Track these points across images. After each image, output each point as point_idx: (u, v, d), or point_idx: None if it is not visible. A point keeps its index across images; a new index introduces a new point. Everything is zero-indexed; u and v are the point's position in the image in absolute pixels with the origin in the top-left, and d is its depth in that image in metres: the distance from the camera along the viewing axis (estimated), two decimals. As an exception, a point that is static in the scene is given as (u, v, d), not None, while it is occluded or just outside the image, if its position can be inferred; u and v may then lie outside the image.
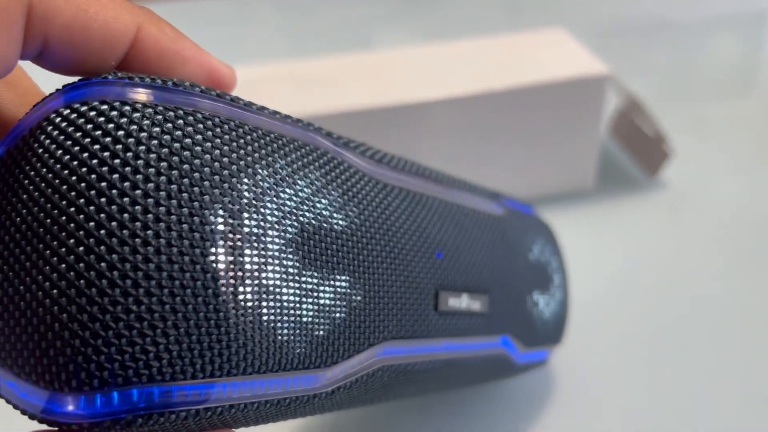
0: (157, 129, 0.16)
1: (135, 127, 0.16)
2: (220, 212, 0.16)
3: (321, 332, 0.19)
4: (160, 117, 0.16)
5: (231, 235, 0.16)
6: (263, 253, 0.17)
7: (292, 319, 0.18)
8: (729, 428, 0.34)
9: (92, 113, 0.16)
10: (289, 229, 0.18)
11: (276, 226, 0.18)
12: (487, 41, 0.51)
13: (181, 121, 0.16)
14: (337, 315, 0.19)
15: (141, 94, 0.16)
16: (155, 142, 0.16)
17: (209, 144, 0.17)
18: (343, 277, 0.20)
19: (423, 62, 0.49)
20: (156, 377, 0.15)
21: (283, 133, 0.19)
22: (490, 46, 0.51)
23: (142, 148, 0.16)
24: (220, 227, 0.16)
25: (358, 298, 0.20)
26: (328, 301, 0.19)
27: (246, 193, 0.17)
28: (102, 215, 0.15)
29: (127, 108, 0.16)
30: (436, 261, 0.24)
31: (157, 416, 0.15)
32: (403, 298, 0.22)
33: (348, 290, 0.20)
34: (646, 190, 0.52)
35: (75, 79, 0.17)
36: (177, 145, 0.16)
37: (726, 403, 0.36)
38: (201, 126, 0.17)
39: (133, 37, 0.18)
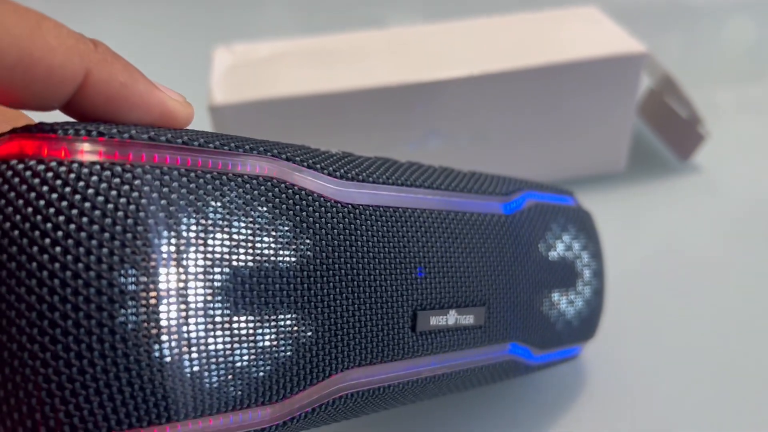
0: (69, 190, 0.16)
1: (46, 188, 0.16)
2: (132, 272, 0.16)
3: (261, 373, 0.19)
4: (73, 176, 0.16)
5: (144, 294, 0.16)
6: (183, 306, 0.17)
7: (223, 366, 0.18)
8: (766, 415, 0.33)
9: (18, 173, 0.16)
10: (218, 276, 0.18)
11: (201, 276, 0.17)
12: (516, 18, 0.50)
13: (95, 178, 0.16)
14: (281, 354, 0.19)
15: (70, 150, 0.16)
16: (65, 204, 0.16)
17: (124, 200, 0.16)
18: (289, 315, 0.20)
19: (448, 38, 0.47)
20: (82, 426, 0.16)
21: (232, 169, 0.19)
22: (519, 23, 0.49)
23: (52, 211, 0.16)
24: (131, 287, 0.16)
25: (309, 333, 0.20)
26: (268, 343, 0.19)
27: (164, 248, 0.17)
28: (20, 279, 0.15)
29: (42, 167, 0.16)
30: (415, 280, 0.23)
31: None
32: (369, 324, 0.22)
33: (295, 327, 0.20)
34: (678, 173, 0.50)
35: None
36: (87, 205, 0.16)
37: (762, 389, 0.34)
38: (118, 181, 0.17)
39: (79, 84, 0.18)
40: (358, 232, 0.22)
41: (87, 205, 0.16)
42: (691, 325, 0.39)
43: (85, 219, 0.16)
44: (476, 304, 0.26)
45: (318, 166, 0.22)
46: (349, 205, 0.22)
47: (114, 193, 0.16)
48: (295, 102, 0.41)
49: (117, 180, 0.17)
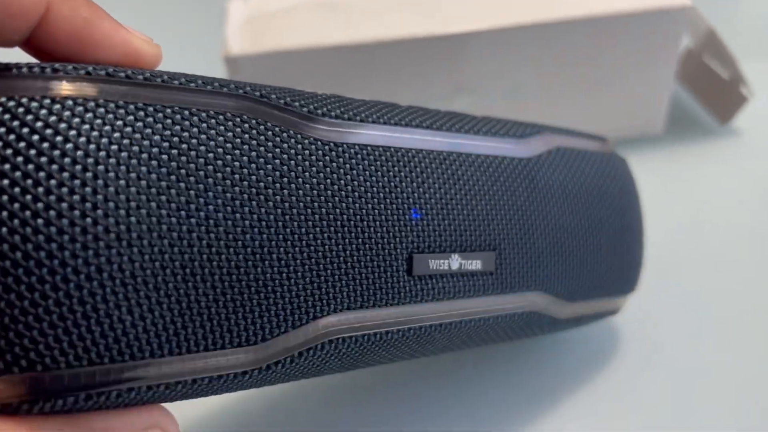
0: (6, 131, 0.16)
1: (14, 135, 0.16)
2: (76, 213, 0.16)
3: (232, 316, 0.19)
4: (9, 116, 0.16)
5: (90, 236, 0.16)
6: (136, 249, 0.17)
7: (187, 308, 0.18)
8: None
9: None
10: (174, 220, 0.17)
11: (154, 220, 0.17)
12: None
13: (68, 113, 0.16)
14: (247, 297, 0.19)
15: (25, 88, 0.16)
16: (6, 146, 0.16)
17: (69, 140, 0.16)
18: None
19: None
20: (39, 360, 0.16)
21: (198, 103, 0.19)
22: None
23: (33, 151, 0.16)
24: (77, 229, 0.16)
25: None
26: (244, 284, 0.19)
27: (111, 187, 0.16)
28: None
29: (12, 103, 0.16)
30: (410, 221, 0.22)
31: (82, 398, 0.16)
32: (357, 266, 0.21)
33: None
34: (717, 137, 0.48)
35: None
36: (71, 145, 0.16)
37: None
38: (91, 115, 0.16)
39: (40, 16, 0.17)
40: (341, 170, 0.21)
41: (70, 146, 0.16)
42: (729, 293, 0.37)
43: (32, 153, 0.16)
44: (484, 248, 0.25)
45: (297, 104, 0.21)
46: (331, 143, 0.21)
47: (87, 127, 0.16)
48: (313, 54, 0.39)
49: (90, 115, 0.16)
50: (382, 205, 0.22)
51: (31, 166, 0.16)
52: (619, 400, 0.32)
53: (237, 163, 0.19)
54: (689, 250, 0.40)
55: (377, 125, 0.23)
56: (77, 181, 0.16)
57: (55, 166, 0.16)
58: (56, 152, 0.16)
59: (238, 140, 0.19)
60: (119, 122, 0.17)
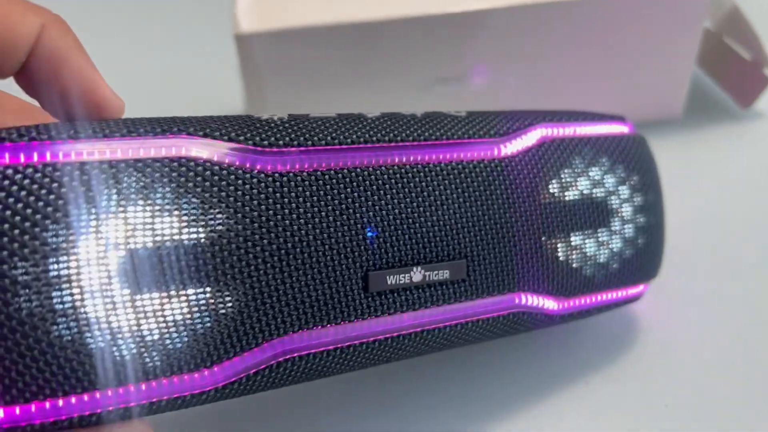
0: None
1: None
2: (20, 264, 0.18)
3: (179, 344, 0.20)
4: None
5: (35, 282, 0.18)
6: (77, 290, 0.19)
7: (130, 340, 0.20)
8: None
9: None
10: (114, 260, 0.19)
11: (94, 262, 0.19)
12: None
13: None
14: (199, 325, 0.21)
15: None
16: None
17: (12, 200, 0.18)
18: (201, 289, 0.21)
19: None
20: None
21: (136, 153, 0.20)
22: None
23: None
24: (21, 277, 0.18)
25: (229, 304, 0.21)
26: (180, 317, 0.20)
27: (52, 239, 0.19)
28: None
29: None
30: (363, 241, 0.23)
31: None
32: (306, 289, 0.22)
33: (211, 300, 0.21)
34: (739, 121, 0.47)
35: None
36: None
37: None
38: (7, 183, 0.18)
39: (35, 38, 0.20)
40: (286, 200, 0.22)
41: None
42: (749, 280, 0.36)
43: None
44: (452, 257, 0.25)
45: (242, 137, 0.22)
46: (275, 174, 0.22)
47: (2, 195, 0.18)
48: (326, 31, 0.38)
49: (6, 183, 0.18)
50: (332, 228, 0.23)
51: None
52: (631, 393, 0.31)
53: (173, 207, 0.20)
54: (709, 237, 0.39)
55: (328, 148, 0.23)
56: None
57: None
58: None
59: (174, 184, 0.20)
60: (55, 185, 0.19)
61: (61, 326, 0.19)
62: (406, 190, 0.24)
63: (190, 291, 0.20)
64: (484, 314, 0.26)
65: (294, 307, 0.22)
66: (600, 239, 0.29)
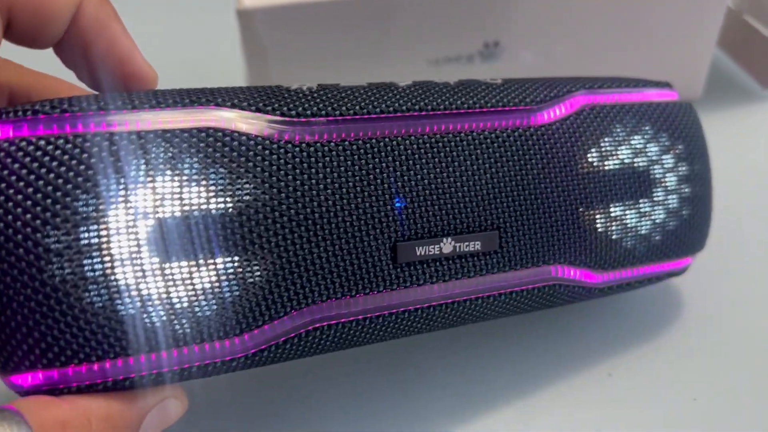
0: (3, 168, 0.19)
1: None
2: (52, 232, 0.19)
3: (208, 312, 0.21)
4: (2, 154, 0.19)
5: (67, 251, 0.19)
6: (107, 258, 0.19)
7: (160, 307, 0.20)
8: None
9: None
10: (142, 229, 0.20)
11: (123, 230, 0.20)
12: None
13: (20, 153, 0.19)
14: (227, 294, 0.21)
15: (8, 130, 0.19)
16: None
17: (44, 170, 0.19)
18: (230, 258, 0.21)
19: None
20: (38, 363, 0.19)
21: (164, 124, 0.21)
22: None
23: None
24: (53, 245, 0.19)
25: (258, 274, 0.21)
26: (208, 285, 0.21)
27: (83, 209, 0.19)
28: None
29: None
30: (392, 211, 0.23)
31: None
32: (334, 259, 0.22)
33: (239, 269, 0.21)
34: (760, 101, 0.45)
35: None
36: (13, 178, 0.19)
37: None
38: (40, 153, 0.19)
39: (75, 9, 0.20)
40: (313, 170, 0.22)
41: (13, 178, 0.19)
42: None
43: (10, 191, 0.19)
44: (484, 228, 0.25)
45: (270, 108, 0.22)
46: (303, 144, 0.22)
47: (35, 165, 0.19)
48: (330, 7, 0.36)
49: (39, 153, 0.19)
50: (359, 199, 0.22)
51: None
52: (659, 381, 0.30)
53: (201, 177, 0.21)
54: (731, 218, 0.37)
55: (357, 118, 0.23)
56: None
57: None
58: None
59: (201, 154, 0.21)
60: (84, 155, 0.20)
61: (92, 293, 0.19)
62: (437, 159, 0.24)
63: (219, 260, 0.21)
64: (519, 286, 0.26)
65: (322, 277, 0.22)
66: (642, 210, 0.28)
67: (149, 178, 0.20)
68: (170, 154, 0.20)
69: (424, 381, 0.30)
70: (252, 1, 0.36)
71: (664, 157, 0.28)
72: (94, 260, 0.19)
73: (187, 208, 0.20)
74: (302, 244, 0.22)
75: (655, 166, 0.28)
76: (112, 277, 0.19)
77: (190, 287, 0.20)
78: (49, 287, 0.19)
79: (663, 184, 0.28)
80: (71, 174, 0.19)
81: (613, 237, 0.27)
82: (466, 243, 0.24)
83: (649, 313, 0.33)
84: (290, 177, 0.22)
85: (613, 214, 0.27)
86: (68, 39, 0.21)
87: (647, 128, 0.28)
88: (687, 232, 0.29)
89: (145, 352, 0.20)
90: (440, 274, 0.24)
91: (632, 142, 0.28)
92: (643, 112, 0.28)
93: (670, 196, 0.28)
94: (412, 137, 0.24)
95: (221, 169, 0.21)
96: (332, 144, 0.22)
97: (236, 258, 0.21)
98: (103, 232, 0.19)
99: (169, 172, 0.20)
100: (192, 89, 0.22)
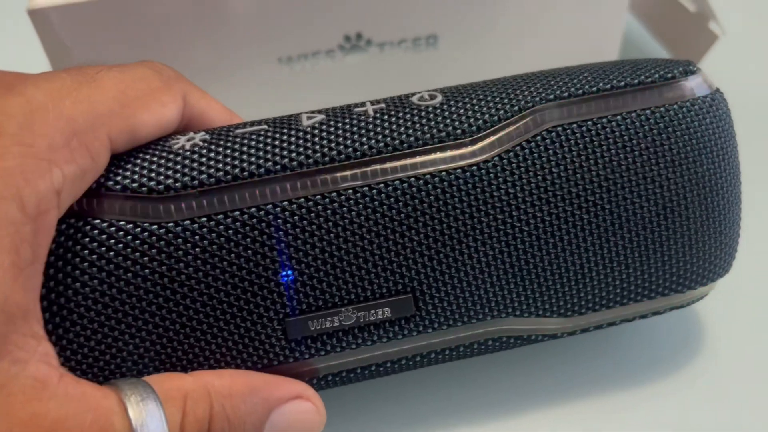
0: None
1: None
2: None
3: None
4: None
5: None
6: None
7: None
8: None
9: None
10: None
11: None
12: None
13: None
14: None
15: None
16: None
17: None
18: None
19: None
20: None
21: None
22: None
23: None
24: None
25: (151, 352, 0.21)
26: None
27: None
28: None
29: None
30: (278, 286, 0.21)
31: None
32: (230, 338, 0.21)
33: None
34: (681, 84, 0.40)
35: None
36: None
37: None
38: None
39: (179, 115, 0.23)
40: (180, 252, 0.21)
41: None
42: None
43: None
44: (395, 293, 0.22)
45: (145, 188, 0.21)
46: (170, 224, 0.21)
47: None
48: (127, 3, 0.30)
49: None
50: (238, 277, 0.21)
51: None
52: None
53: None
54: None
55: (232, 185, 0.21)
56: None
57: None
58: None
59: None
60: None
61: None
62: (333, 221, 0.21)
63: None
64: (453, 343, 0.23)
65: (210, 352, 0.21)
66: (638, 243, 0.23)
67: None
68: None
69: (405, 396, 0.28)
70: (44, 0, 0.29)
71: (676, 170, 0.23)
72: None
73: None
74: (182, 327, 0.21)
75: (664, 186, 0.23)
76: None
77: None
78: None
79: (679, 206, 0.23)
80: None
81: (587, 279, 0.23)
82: (373, 311, 0.22)
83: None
84: (155, 263, 0.20)
85: (591, 255, 0.23)
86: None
87: (644, 143, 0.23)
88: (710, 254, 0.24)
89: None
90: (345, 344, 0.22)
91: (623, 163, 0.23)
92: (634, 124, 0.23)
93: (689, 216, 0.23)
94: (303, 199, 0.21)
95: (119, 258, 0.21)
96: (203, 220, 0.21)
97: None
98: None
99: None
100: None
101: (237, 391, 0.20)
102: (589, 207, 0.22)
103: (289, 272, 0.21)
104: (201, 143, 0.22)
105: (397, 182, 0.21)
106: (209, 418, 0.20)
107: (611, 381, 0.27)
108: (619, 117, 0.23)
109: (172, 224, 0.20)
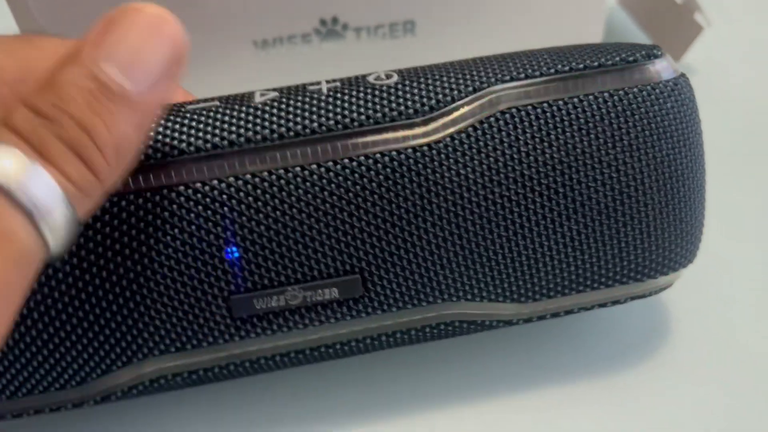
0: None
1: None
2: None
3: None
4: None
5: None
6: None
7: None
8: None
9: None
10: None
11: None
12: None
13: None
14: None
15: None
16: None
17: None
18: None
19: None
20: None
21: None
22: None
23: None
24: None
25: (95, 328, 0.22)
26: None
27: None
28: None
29: None
30: (222, 262, 0.21)
31: None
32: (174, 315, 0.21)
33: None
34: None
35: None
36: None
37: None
38: None
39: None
40: (125, 226, 0.21)
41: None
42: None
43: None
44: (342, 273, 0.22)
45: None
46: (114, 198, 0.20)
47: None
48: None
49: None
50: (182, 252, 0.21)
51: None
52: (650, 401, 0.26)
53: None
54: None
55: (178, 160, 0.21)
56: None
57: None
58: None
59: None
60: None
61: None
62: (279, 198, 0.21)
63: None
64: (404, 326, 0.23)
65: (163, 330, 0.22)
66: (594, 228, 0.23)
67: None
68: None
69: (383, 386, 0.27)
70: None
71: (620, 159, 0.23)
72: None
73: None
74: (139, 297, 0.21)
75: (622, 170, 0.23)
76: None
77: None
78: None
79: (611, 198, 0.23)
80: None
81: (538, 264, 0.23)
82: (320, 291, 0.22)
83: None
84: (100, 236, 0.20)
85: (536, 238, 0.22)
86: None
87: (602, 127, 0.22)
88: (672, 242, 0.24)
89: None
90: (293, 324, 0.22)
91: (578, 146, 0.22)
92: (591, 106, 0.22)
93: (619, 212, 0.23)
94: (249, 175, 0.21)
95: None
96: (148, 194, 0.20)
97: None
98: None
99: None
100: None
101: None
102: (542, 190, 0.22)
103: (234, 249, 0.21)
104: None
105: (346, 160, 0.21)
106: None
107: (573, 371, 0.27)
108: (575, 99, 0.22)
109: (116, 198, 0.20)
